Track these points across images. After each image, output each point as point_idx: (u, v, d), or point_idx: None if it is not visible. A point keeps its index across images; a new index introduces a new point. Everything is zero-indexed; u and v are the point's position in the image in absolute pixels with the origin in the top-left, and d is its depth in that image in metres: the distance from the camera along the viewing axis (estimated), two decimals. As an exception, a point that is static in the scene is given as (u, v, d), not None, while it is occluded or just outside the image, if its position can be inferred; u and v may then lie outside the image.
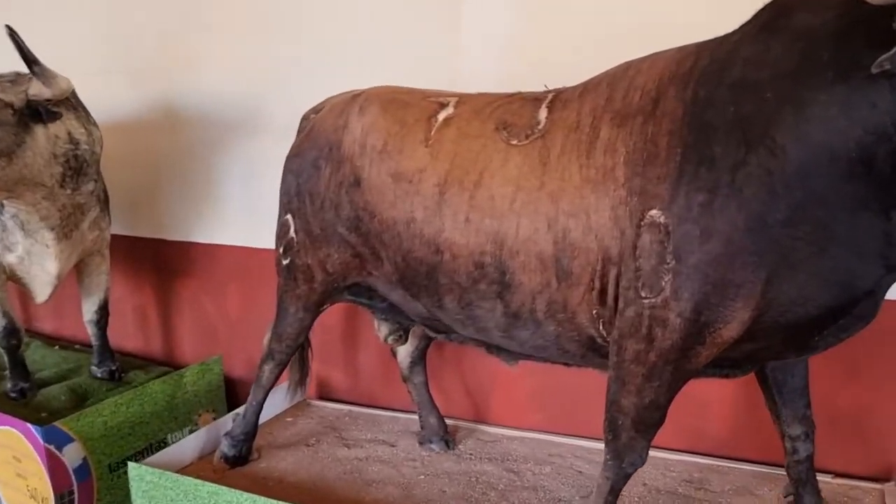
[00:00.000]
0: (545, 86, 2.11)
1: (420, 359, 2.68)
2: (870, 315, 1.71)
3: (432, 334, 2.34)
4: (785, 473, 2.18)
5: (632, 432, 1.84)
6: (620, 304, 1.76)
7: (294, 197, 2.29)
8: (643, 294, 1.70)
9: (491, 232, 1.88)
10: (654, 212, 1.66)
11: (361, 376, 3.19)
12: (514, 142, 1.91)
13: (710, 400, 2.59)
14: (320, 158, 2.22)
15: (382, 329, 2.49)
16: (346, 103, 2.24)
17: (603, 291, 1.79)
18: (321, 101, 2.49)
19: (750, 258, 1.60)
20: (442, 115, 2.08)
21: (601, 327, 1.85)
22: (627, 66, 1.86)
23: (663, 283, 1.66)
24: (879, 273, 1.63)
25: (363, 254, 2.18)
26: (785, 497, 2.15)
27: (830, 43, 1.51)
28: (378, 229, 2.10)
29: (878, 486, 2.33)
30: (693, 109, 1.66)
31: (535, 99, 2.00)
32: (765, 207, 1.57)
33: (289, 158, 2.34)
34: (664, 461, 2.56)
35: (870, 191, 1.52)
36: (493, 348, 2.18)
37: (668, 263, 1.65)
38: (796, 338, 1.75)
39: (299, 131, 2.50)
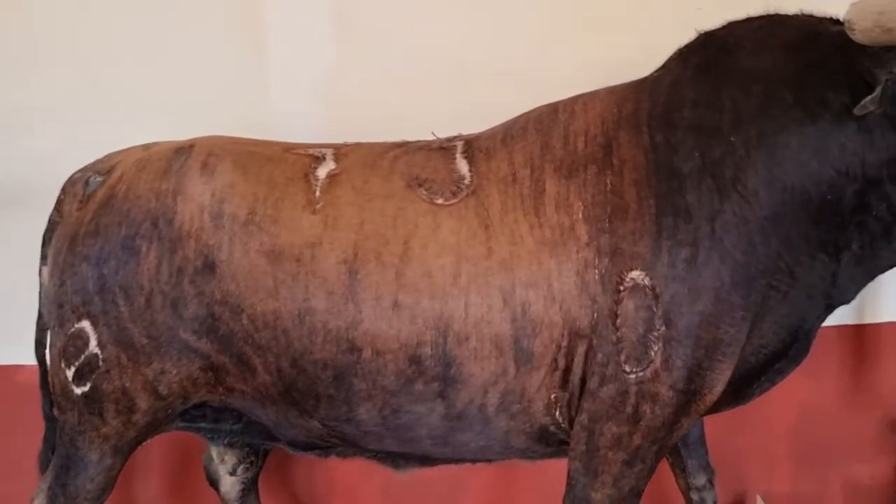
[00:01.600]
0: (433, 133, 1.78)
1: (254, 485, 2.08)
2: (803, 355, 1.71)
3: (305, 454, 1.80)
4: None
5: None
6: (593, 384, 1.50)
7: (94, 295, 1.59)
8: (627, 368, 1.46)
9: (431, 316, 1.49)
10: (635, 273, 1.45)
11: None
12: (440, 201, 1.55)
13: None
14: (137, 237, 1.58)
15: (228, 459, 1.87)
16: (168, 160, 1.64)
17: (567, 371, 1.52)
18: (98, 157, 1.82)
19: (739, 314, 1.48)
20: (322, 172, 1.62)
21: (557, 413, 1.57)
22: (554, 109, 1.64)
23: (652, 354, 1.45)
24: (821, 312, 1.63)
25: (221, 365, 1.58)
26: (697, 550, 2.07)
27: (791, 85, 1.47)
28: (248, 329, 1.54)
29: (740, 513, 2.40)
30: (656, 156, 1.49)
31: (440, 148, 1.66)
32: (747, 257, 1.46)
33: (74, 240, 1.63)
34: (545, 539, 2.34)
35: (832, 233, 1.50)
36: (388, 458, 1.75)
37: (657, 330, 1.44)
38: (740, 388, 1.67)
39: (62, 202, 1.78)
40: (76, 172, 1.80)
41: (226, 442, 1.83)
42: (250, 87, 2.26)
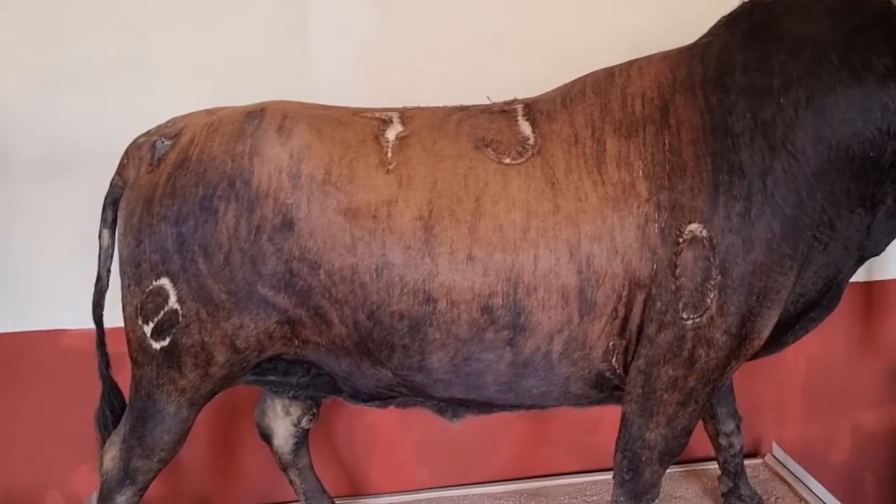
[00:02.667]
0: (488, 98, 1.86)
1: (305, 438, 2.17)
2: (835, 304, 1.83)
3: (364, 405, 1.89)
4: (706, 468, 2.26)
5: (656, 466, 1.71)
6: (651, 330, 1.61)
7: (174, 254, 1.65)
8: (685, 315, 1.58)
9: (503, 268, 1.58)
10: (693, 226, 1.55)
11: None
12: (508, 160, 1.64)
13: (602, 414, 2.58)
14: (214, 198, 1.64)
15: (293, 411, 1.95)
16: (241, 123, 1.70)
17: (626, 319, 1.63)
18: (161, 122, 1.87)
19: (787, 263, 1.59)
20: (391, 134, 1.69)
21: (614, 360, 1.68)
22: (610, 73, 1.72)
23: (709, 301, 1.57)
24: (853, 264, 1.75)
25: (298, 318, 1.66)
26: (726, 491, 2.22)
27: (837, 49, 1.57)
28: (326, 283, 1.62)
29: (758, 460, 2.55)
30: (711, 117, 1.59)
31: (501, 112, 1.74)
32: (796, 211, 1.57)
33: (150, 201, 1.69)
34: (576, 487, 2.47)
35: (870, 188, 1.62)
36: (450, 406, 1.85)
37: (713, 279, 1.56)
38: (777, 335, 1.79)
39: (125, 166, 1.83)
40: (140, 137, 1.85)
41: (290, 395, 1.91)
42: (291, 55, 2.29)
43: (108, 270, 1.89)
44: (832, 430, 2.66)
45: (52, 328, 2.40)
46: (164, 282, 1.66)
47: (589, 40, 2.32)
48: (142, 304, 1.69)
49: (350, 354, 1.69)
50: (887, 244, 1.74)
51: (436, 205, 1.60)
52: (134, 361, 1.76)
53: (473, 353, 1.63)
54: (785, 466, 2.47)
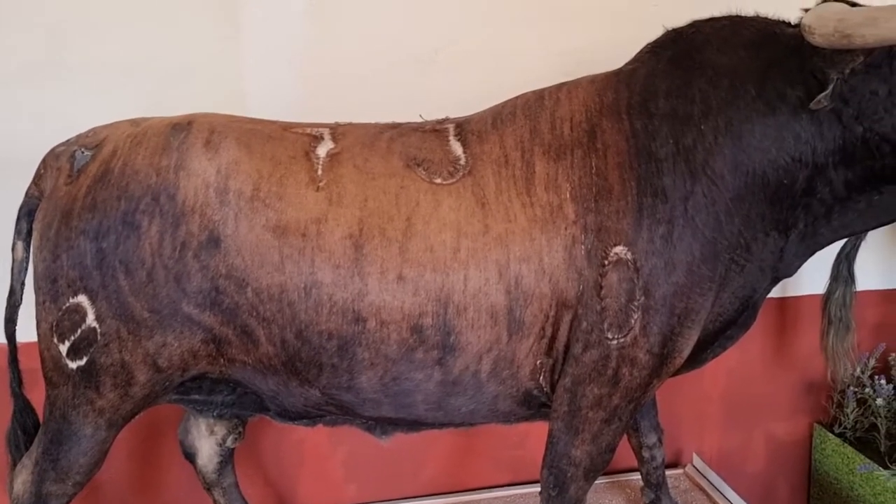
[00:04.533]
0: (420, 116, 1.87)
1: (230, 456, 2.13)
2: (751, 322, 1.91)
3: (293, 423, 1.87)
4: (629, 479, 2.32)
5: (581, 482, 1.75)
6: (577, 350, 1.64)
7: (93, 270, 1.60)
8: (610, 335, 1.62)
9: (433, 288, 1.58)
10: (618, 248, 1.60)
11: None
12: (439, 180, 1.65)
13: (529, 427, 2.62)
14: (137, 212, 1.60)
15: (217, 430, 1.91)
16: (166, 136, 1.65)
17: (553, 338, 1.66)
18: (82, 131, 1.80)
19: (707, 285, 1.65)
20: (322, 151, 1.68)
21: (541, 378, 1.71)
22: (540, 96, 1.75)
23: (632, 321, 1.61)
24: (768, 284, 1.83)
25: (224, 337, 1.63)
26: (649, 502, 2.28)
27: (754, 80, 1.64)
28: (253, 302, 1.59)
29: (679, 470, 2.63)
30: (636, 142, 1.64)
31: (433, 130, 1.75)
32: (715, 234, 1.64)
33: (68, 214, 1.62)
34: (504, 500, 2.50)
35: (783, 213, 1.70)
36: (379, 424, 1.84)
37: (637, 300, 1.60)
38: (697, 352, 1.86)
39: (42, 176, 1.76)
40: (58, 146, 1.78)
41: (215, 413, 1.87)
42: (222, 65, 2.25)
43: (22, 284, 1.81)
44: (748, 440, 2.77)
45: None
46: (82, 299, 1.60)
47: (522, 60, 2.35)
48: (57, 322, 1.62)
49: (278, 373, 1.66)
50: (799, 266, 1.83)
51: (366, 223, 1.59)
52: (48, 381, 1.69)
53: (403, 372, 1.63)
54: (704, 476, 2.56)
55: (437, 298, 1.59)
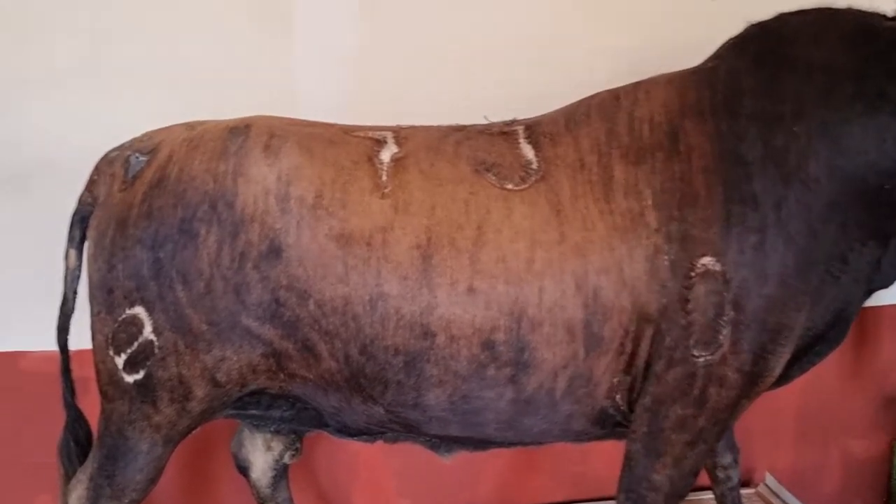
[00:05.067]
0: (485, 117, 1.78)
1: (285, 470, 2.06)
2: (842, 338, 1.78)
3: (352, 439, 1.79)
4: (701, 498, 2.20)
5: None
6: (659, 367, 1.53)
7: (150, 280, 1.53)
8: (696, 352, 1.50)
9: (507, 301, 1.49)
10: (706, 259, 1.48)
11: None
12: (510, 186, 1.55)
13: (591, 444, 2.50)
14: (194, 220, 1.53)
15: (275, 446, 1.84)
16: (223, 140, 1.58)
17: (632, 355, 1.55)
18: (139, 135, 1.74)
19: (801, 299, 1.52)
20: (386, 155, 1.59)
21: (618, 397, 1.60)
22: (615, 96, 1.65)
23: (721, 338, 1.49)
24: (861, 296, 1.70)
25: (284, 351, 1.55)
26: (722, 525, 2.15)
27: (852, 77, 1.52)
28: (315, 314, 1.52)
29: (751, 490, 2.50)
30: (721, 144, 1.52)
31: (501, 133, 1.65)
32: (808, 243, 1.51)
33: (124, 222, 1.57)
34: (566, 518, 2.39)
35: (882, 220, 1.57)
36: (443, 443, 1.75)
37: (726, 315, 1.48)
38: (784, 369, 1.73)
39: (96, 182, 1.71)
40: (112, 151, 1.73)
41: (272, 429, 1.80)
42: (272, 66, 2.18)
43: (75, 292, 1.77)
44: (824, 459, 2.62)
45: (10, 350, 2.25)
46: (139, 310, 1.54)
47: (584, 57, 2.25)
48: (113, 334, 1.57)
49: (340, 390, 1.58)
50: (895, 277, 1.69)
51: (434, 232, 1.50)
52: (104, 395, 1.63)
53: (473, 390, 1.54)
54: (778, 496, 2.42)
55: (510, 312, 1.49)
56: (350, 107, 2.19)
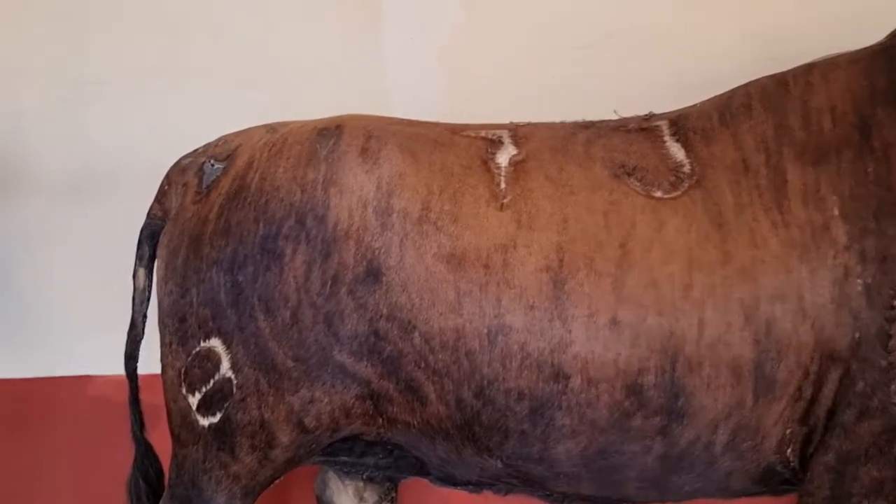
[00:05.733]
0: (615, 112, 1.50)
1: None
2: None
3: (455, 488, 1.53)
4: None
5: None
6: (847, 417, 1.23)
7: (227, 308, 1.31)
8: None
9: (658, 337, 1.21)
10: None
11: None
12: (659, 194, 1.27)
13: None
14: (279, 238, 1.30)
15: (368, 496, 1.60)
16: (311, 143, 1.35)
17: (812, 402, 1.24)
18: (209, 140, 1.53)
19: None
20: (502, 158, 1.33)
21: (789, 451, 1.30)
22: (781, 82, 1.35)
23: None
24: None
25: (383, 392, 1.31)
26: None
27: None
28: (422, 350, 1.27)
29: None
30: None
31: (640, 129, 1.37)
32: None
33: (198, 240, 1.35)
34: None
35: None
36: (570, 500, 1.48)
37: None
38: None
39: (167, 193, 1.50)
40: (184, 158, 1.52)
41: (365, 476, 1.56)
42: (360, 61, 1.96)
43: (144, 316, 1.58)
44: None
45: (77, 374, 2.09)
46: (216, 343, 1.32)
47: (709, 42, 1.94)
48: (186, 369, 1.35)
49: (449, 439, 1.33)
50: None
51: (568, 252, 1.23)
52: (175, 438, 1.42)
53: (613, 443, 1.26)
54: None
55: (662, 350, 1.21)
56: (446, 105, 1.95)
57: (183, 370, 1.36)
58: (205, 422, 1.35)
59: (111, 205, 1.99)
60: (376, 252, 1.26)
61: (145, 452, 1.62)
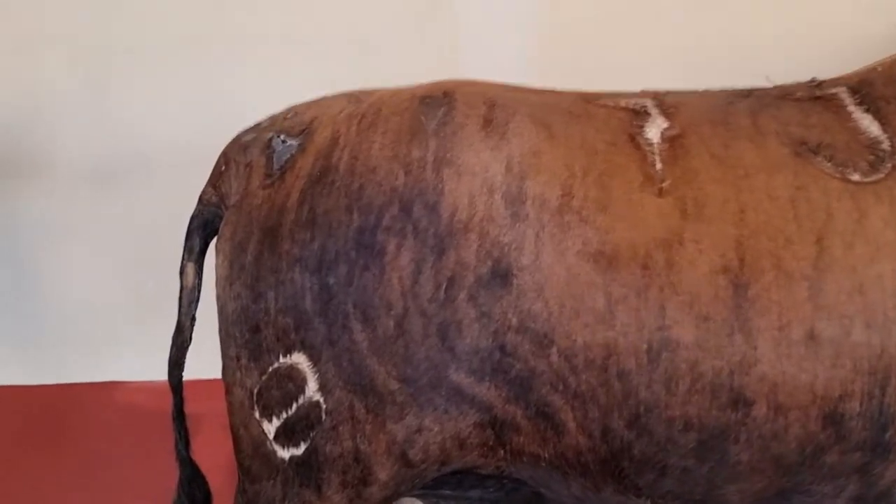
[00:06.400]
0: (766, 78, 1.25)
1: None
2: None
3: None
4: None
5: None
6: None
7: (314, 317, 1.07)
8: None
9: (865, 355, 0.97)
10: None
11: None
12: (856, 177, 1.02)
13: None
14: (378, 231, 1.06)
15: (466, 533, 1.36)
16: (414, 114, 1.10)
17: None
18: (280, 111, 1.28)
19: None
20: (652, 132, 1.08)
21: None
22: None
23: None
24: None
25: (509, 419, 1.07)
26: None
27: None
28: (559, 370, 1.03)
29: None
30: None
31: (814, 98, 1.13)
32: None
33: (275, 233, 1.11)
34: None
35: None
36: None
37: None
38: None
39: (224, 175, 1.25)
40: (245, 133, 1.27)
41: (468, 511, 1.32)
42: (433, 25, 1.71)
43: (193, 319, 1.33)
44: None
45: (107, 380, 1.86)
46: (299, 359, 1.08)
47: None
48: (261, 390, 1.11)
49: (588, 475, 1.09)
50: None
51: (749, 249, 0.99)
52: (245, 470, 1.18)
53: (799, 484, 1.03)
54: None
55: (870, 371, 0.97)
56: (526, 79, 1.73)
57: (256, 391, 1.12)
58: (285, 453, 1.11)
59: (143, 192, 1.75)
60: (505, 249, 1.02)
61: (192, 475, 1.39)
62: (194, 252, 1.31)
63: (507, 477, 1.16)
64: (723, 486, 1.04)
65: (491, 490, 1.22)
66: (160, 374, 1.79)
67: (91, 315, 1.82)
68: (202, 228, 1.30)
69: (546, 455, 1.09)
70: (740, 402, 0.98)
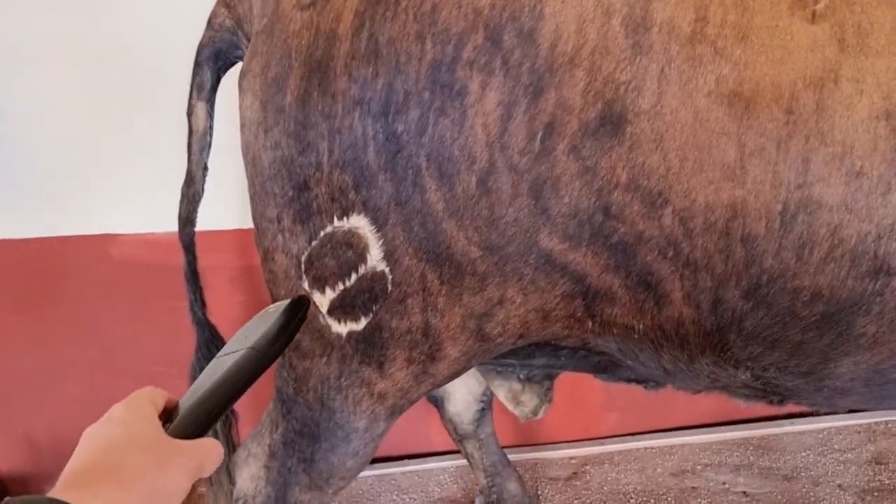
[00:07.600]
0: None
1: (490, 404, 1.52)
2: None
3: (625, 384, 1.21)
4: None
5: None
6: None
7: (378, 172, 0.89)
8: None
9: None
10: None
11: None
12: None
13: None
14: (458, 65, 0.85)
15: (527, 400, 1.27)
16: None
17: None
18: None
19: None
20: (798, -60, 0.86)
21: None
22: None
23: None
24: None
25: (604, 289, 0.93)
26: None
27: None
28: (672, 234, 0.87)
29: None
30: None
31: None
32: None
33: (324, 67, 0.90)
34: (816, 438, 1.89)
35: None
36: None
37: None
38: None
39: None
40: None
41: (523, 375, 1.22)
42: None
43: (205, 168, 1.15)
44: None
45: (101, 232, 1.69)
46: (360, 222, 0.91)
47: None
48: (310, 258, 0.95)
49: (685, 347, 0.97)
50: None
51: None
52: (299, 349, 1.04)
53: None
54: None
55: None
56: None
57: (305, 258, 0.96)
58: (341, 328, 0.97)
59: (130, 8, 1.47)
60: (621, 88, 0.83)
61: (210, 337, 1.28)
62: (204, 89, 1.11)
63: (584, 347, 1.04)
64: (837, 360, 0.93)
65: (562, 358, 1.11)
66: (151, 225, 1.62)
67: (74, 161, 1.60)
68: (213, 59, 1.10)
69: (640, 327, 0.96)
70: (882, 271, 0.85)
